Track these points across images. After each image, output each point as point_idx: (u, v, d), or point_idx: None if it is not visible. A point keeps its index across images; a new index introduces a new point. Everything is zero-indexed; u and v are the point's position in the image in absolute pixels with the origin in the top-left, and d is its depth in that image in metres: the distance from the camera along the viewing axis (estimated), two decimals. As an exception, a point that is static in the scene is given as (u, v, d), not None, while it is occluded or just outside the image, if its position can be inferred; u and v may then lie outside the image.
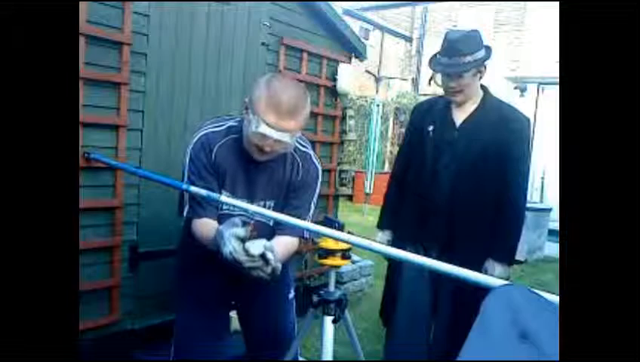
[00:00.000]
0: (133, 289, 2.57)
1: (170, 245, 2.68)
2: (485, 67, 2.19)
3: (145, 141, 2.54)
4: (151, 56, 2.50)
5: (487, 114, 2.23)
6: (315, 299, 1.92)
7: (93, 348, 2.38)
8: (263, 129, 1.58)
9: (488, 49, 2.18)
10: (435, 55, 2.22)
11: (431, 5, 13.84)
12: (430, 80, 2.27)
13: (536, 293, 0.81)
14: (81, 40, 2.19)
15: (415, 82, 13.98)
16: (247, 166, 1.75)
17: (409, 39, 14.63)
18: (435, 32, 14.15)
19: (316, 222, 1.62)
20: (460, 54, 2.09)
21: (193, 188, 1.73)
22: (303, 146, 1.86)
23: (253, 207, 1.67)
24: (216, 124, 1.80)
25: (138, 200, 2.54)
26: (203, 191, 1.70)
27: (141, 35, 2.45)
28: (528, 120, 2.36)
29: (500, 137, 2.20)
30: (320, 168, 1.89)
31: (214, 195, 1.66)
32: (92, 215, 2.34)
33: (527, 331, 0.74)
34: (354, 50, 3.72)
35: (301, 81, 3.31)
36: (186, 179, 1.76)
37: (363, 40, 4.01)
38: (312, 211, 1.87)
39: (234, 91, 2.93)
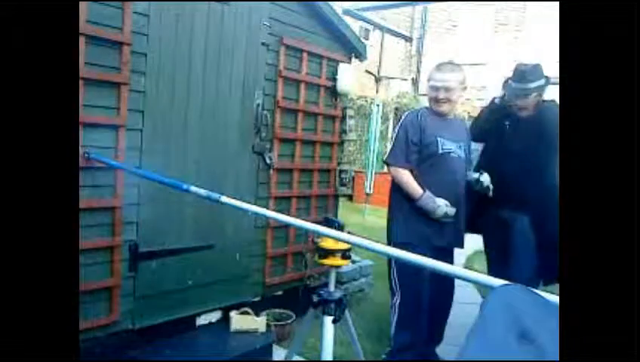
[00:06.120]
0: (133, 289, 2.57)
1: (170, 245, 2.68)
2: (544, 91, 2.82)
3: (145, 141, 2.53)
4: (151, 56, 2.50)
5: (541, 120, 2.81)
6: (315, 299, 1.92)
7: (93, 348, 2.38)
8: (432, 83, 2.69)
9: (547, 78, 2.80)
10: (507, 80, 2.83)
11: (431, 5, 13.83)
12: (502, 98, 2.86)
13: (536, 293, 0.82)
14: (81, 40, 2.19)
15: (415, 82, 13.97)
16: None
17: (409, 39, 14.62)
18: (435, 32, 14.15)
19: (316, 222, 1.62)
20: (527, 81, 2.73)
21: (193, 188, 1.74)
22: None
23: (253, 208, 1.69)
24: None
25: (138, 200, 2.54)
26: (202, 192, 1.71)
27: (141, 35, 2.45)
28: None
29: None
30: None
31: (215, 195, 1.67)
32: (92, 215, 2.34)
33: (527, 331, 0.74)
34: (354, 50, 3.72)
35: (301, 81, 3.32)
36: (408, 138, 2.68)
37: (363, 40, 4.01)
38: None
39: (234, 91, 2.93)
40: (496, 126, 2.94)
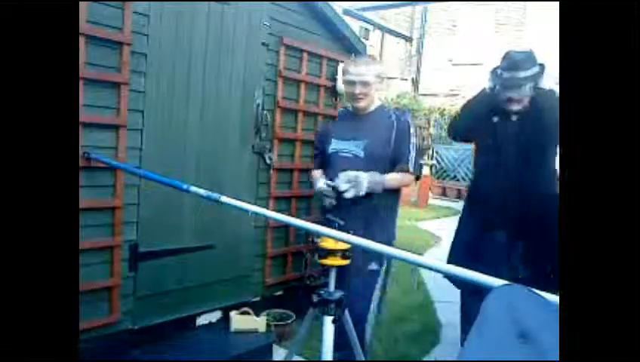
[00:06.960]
0: (133, 289, 2.57)
1: (170, 245, 2.68)
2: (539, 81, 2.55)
3: (145, 141, 2.53)
4: (151, 56, 2.50)
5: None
6: (315, 299, 1.92)
7: (93, 348, 2.38)
8: (347, 77, 2.50)
9: (542, 66, 2.54)
10: (496, 69, 2.61)
11: (431, 5, 13.83)
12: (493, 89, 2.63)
13: (537, 293, 0.82)
14: (81, 40, 2.19)
15: (415, 82, 13.97)
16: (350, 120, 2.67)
17: (409, 39, 14.62)
18: (435, 32, 14.14)
19: (316, 222, 1.62)
20: (519, 69, 2.49)
21: (193, 188, 1.75)
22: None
23: (253, 208, 1.70)
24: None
25: (138, 200, 2.54)
26: (202, 192, 1.72)
27: (141, 35, 2.45)
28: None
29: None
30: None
31: (214, 195, 1.68)
32: (92, 215, 2.34)
33: (527, 331, 0.74)
34: (354, 50, 3.72)
35: (301, 81, 3.32)
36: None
37: (363, 40, 4.01)
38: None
39: (234, 91, 2.93)
40: (487, 122, 2.70)
